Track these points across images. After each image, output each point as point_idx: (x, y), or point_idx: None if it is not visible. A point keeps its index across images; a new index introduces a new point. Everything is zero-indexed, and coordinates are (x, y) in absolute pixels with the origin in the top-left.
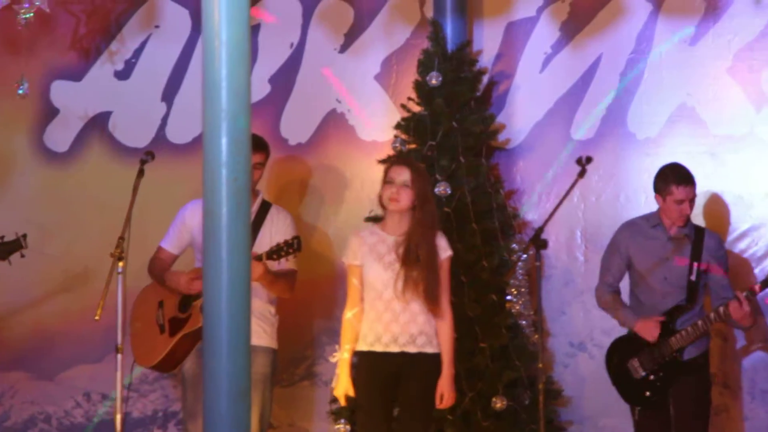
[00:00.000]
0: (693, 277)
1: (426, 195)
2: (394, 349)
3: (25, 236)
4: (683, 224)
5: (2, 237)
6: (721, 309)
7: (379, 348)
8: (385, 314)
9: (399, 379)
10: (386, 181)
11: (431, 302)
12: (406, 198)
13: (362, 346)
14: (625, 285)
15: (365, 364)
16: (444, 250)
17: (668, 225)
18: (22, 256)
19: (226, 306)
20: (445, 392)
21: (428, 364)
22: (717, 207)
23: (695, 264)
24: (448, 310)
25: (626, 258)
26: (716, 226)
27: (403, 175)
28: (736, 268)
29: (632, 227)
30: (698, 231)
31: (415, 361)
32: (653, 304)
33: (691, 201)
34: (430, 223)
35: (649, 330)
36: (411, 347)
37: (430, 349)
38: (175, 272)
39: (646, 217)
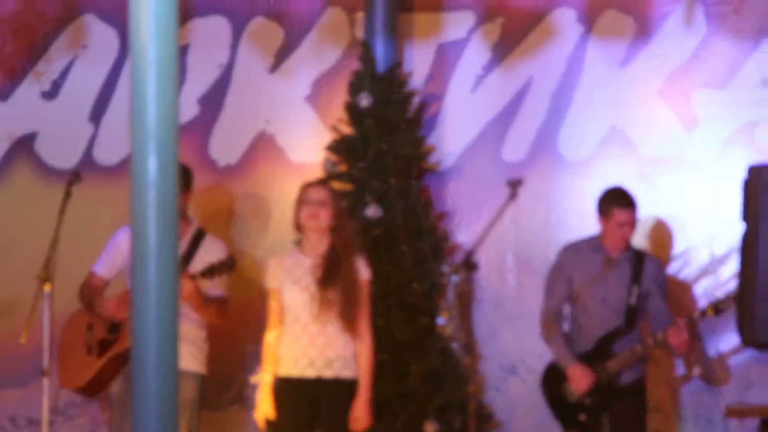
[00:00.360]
0: (632, 301)
1: (343, 215)
2: (311, 373)
3: None
4: (624, 247)
5: None
6: (660, 335)
7: (296, 373)
8: (302, 337)
9: (318, 404)
10: (302, 201)
11: (348, 323)
12: (324, 216)
13: (281, 371)
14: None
15: (283, 389)
16: (362, 272)
17: (609, 248)
18: None
19: (154, 328)
20: (359, 415)
21: (345, 389)
22: (651, 229)
23: (635, 287)
24: (367, 332)
25: (568, 280)
26: (651, 248)
27: (320, 194)
28: (672, 289)
29: (573, 249)
30: (639, 255)
31: (332, 387)
32: (591, 327)
33: (632, 224)
34: (350, 243)
35: (578, 379)
36: (327, 371)
37: (347, 374)
38: (104, 299)
39: (588, 240)
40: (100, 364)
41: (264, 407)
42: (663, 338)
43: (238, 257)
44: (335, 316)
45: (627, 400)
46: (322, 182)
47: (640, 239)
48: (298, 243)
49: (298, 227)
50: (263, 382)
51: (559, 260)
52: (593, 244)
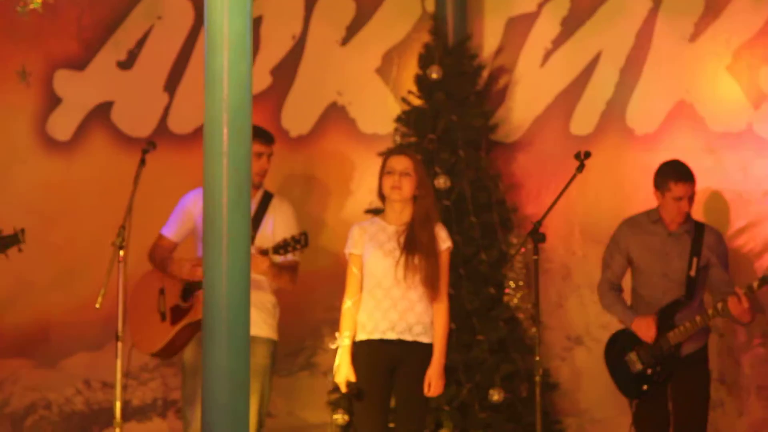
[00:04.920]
0: (692, 273)
1: (426, 184)
2: (391, 336)
3: (23, 231)
4: (682, 221)
5: (0, 231)
6: (720, 305)
7: (376, 336)
8: (383, 302)
9: (395, 367)
10: (386, 171)
11: (430, 288)
12: (408, 186)
13: (360, 335)
14: (627, 280)
15: (363, 352)
16: (444, 240)
17: (668, 221)
18: (20, 250)
19: (226, 296)
20: (432, 381)
21: (423, 353)
22: (717, 203)
23: (695, 260)
24: (445, 300)
25: (626, 254)
26: (716, 222)
27: (403, 163)
28: (735, 264)
29: (632, 223)
30: (698, 227)
31: (411, 350)
32: (653, 299)
33: (690, 198)
34: (431, 212)
35: (644, 330)
36: (407, 335)
37: (425, 339)
38: (179, 259)
39: (647, 213)
40: (174, 331)
41: (344, 371)
42: (723, 308)
43: (311, 224)
44: (418, 281)
45: (690, 370)
46: (405, 151)
47: (705, 213)
48: (377, 212)
49: (382, 197)
50: (342, 346)
51: (618, 234)
52: (652, 217)
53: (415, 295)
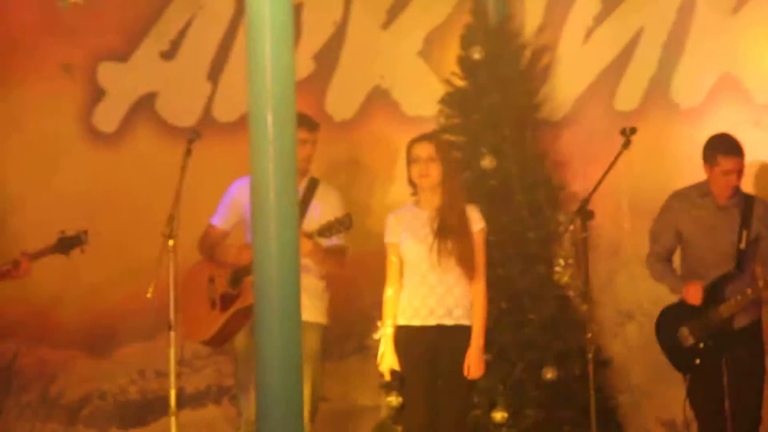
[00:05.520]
0: (742, 246)
1: (452, 166)
2: (431, 322)
3: (85, 232)
4: (732, 194)
5: (63, 232)
6: (761, 282)
7: (417, 322)
8: (421, 288)
9: (439, 351)
10: (412, 159)
11: (467, 270)
12: (435, 172)
13: (401, 321)
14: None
15: (404, 338)
16: (476, 222)
17: (717, 194)
18: (82, 251)
19: (276, 281)
20: (471, 363)
21: (465, 336)
22: (766, 176)
23: (744, 232)
24: (481, 281)
25: (675, 228)
26: (766, 195)
27: (427, 150)
28: None
29: (681, 197)
30: (748, 200)
31: (452, 334)
32: (703, 273)
33: (739, 172)
34: (460, 194)
35: (692, 293)
36: (447, 320)
37: (466, 322)
38: (225, 245)
39: (696, 187)
40: (224, 318)
41: (388, 359)
42: (753, 293)
43: (358, 209)
44: (454, 264)
45: (743, 344)
46: (429, 137)
47: (755, 185)
48: (415, 198)
49: (412, 184)
50: (385, 335)
51: (666, 206)
52: (701, 190)
53: (452, 278)
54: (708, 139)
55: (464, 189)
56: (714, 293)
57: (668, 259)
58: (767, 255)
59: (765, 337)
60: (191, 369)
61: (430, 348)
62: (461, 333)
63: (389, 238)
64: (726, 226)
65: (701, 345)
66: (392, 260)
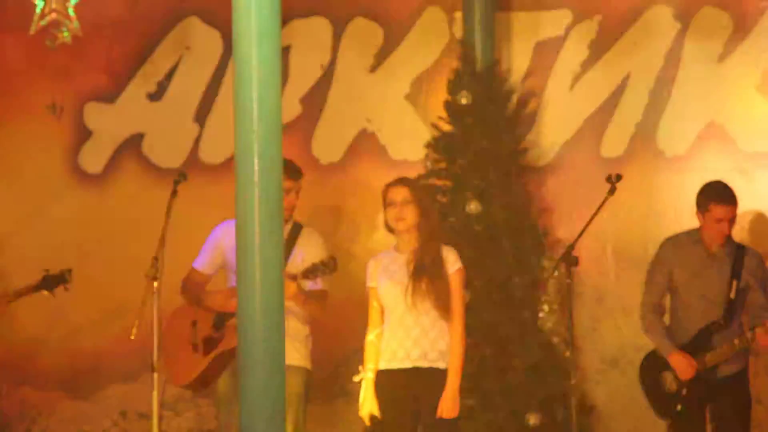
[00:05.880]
0: (732, 295)
1: (427, 208)
2: (408, 364)
3: (69, 271)
4: (722, 242)
5: (47, 270)
6: (750, 334)
7: (395, 365)
8: (398, 330)
9: (418, 395)
10: (387, 203)
11: (442, 310)
12: (410, 215)
13: (381, 365)
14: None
15: (383, 382)
16: (452, 263)
17: (708, 242)
18: (66, 289)
19: (260, 323)
20: (444, 404)
21: (441, 379)
22: (757, 224)
23: (734, 282)
24: (457, 323)
25: (668, 273)
26: (758, 245)
27: (402, 194)
28: None
29: (675, 242)
30: (739, 249)
31: (428, 377)
32: (691, 320)
33: (731, 220)
34: (435, 236)
35: (684, 367)
36: (423, 362)
37: (442, 365)
38: (212, 291)
39: (688, 233)
40: (207, 361)
41: (368, 404)
42: (752, 337)
43: (342, 254)
44: (429, 306)
45: (728, 393)
46: (403, 181)
47: (739, 233)
48: (396, 242)
49: (390, 228)
50: (366, 379)
51: (660, 253)
52: (693, 237)
53: (428, 321)
54: (702, 186)
55: (441, 231)
56: (701, 341)
57: (662, 311)
58: (753, 306)
59: (750, 386)
60: (174, 412)
61: (408, 392)
62: (437, 376)
63: (370, 283)
64: (716, 275)
65: (684, 391)
66: (373, 305)
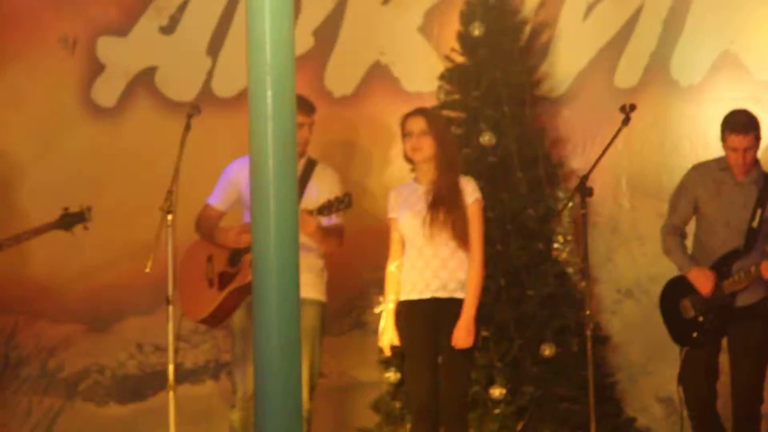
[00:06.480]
0: (755, 224)
1: (445, 138)
2: (427, 295)
3: (89, 209)
4: (748, 170)
5: (66, 208)
6: (754, 268)
7: (414, 296)
8: (417, 262)
9: (438, 325)
10: (405, 134)
11: (461, 240)
12: (427, 146)
13: (401, 296)
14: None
15: (403, 312)
16: (470, 194)
17: (735, 170)
18: (85, 228)
19: (275, 258)
20: (458, 333)
21: (461, 309)
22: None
23: (758, 211)
24: (477, 252)
25: (693, 199)
26: None
27: (419, 124)
28: None
29: (702, 169)
30: (766, 178)
31: (447, 307)
32: (714, 247)
33: (746, 150)
34: (453, 166)
35: (703, 281)
36: (442, 293)
37: (461, 295)
38: (224, 227)
39: (716, 160)
40: (222, 297)
41: (388, 334)
42: (756, 270)
43: (356, 187)
44: (447, 237)
45: (747, 323)
46: (420, 111)
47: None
48: (415, 173)
49: (408, 159)
50: (386, 310)
51: (687, 178)
52: (721, 164)
53: (448, 251)
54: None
55: (459, 162)
56: (720, 268)
57: (682, 234)
58: None
59: None
60: (190, 344)
61: (427, 322)
62: (457, 306)
63: (391, 214)
64: (741, 202)
65: (701, 318)
66: (394, 236)
